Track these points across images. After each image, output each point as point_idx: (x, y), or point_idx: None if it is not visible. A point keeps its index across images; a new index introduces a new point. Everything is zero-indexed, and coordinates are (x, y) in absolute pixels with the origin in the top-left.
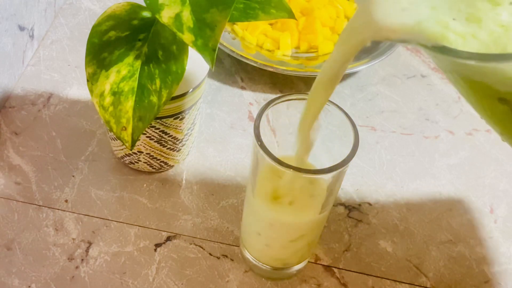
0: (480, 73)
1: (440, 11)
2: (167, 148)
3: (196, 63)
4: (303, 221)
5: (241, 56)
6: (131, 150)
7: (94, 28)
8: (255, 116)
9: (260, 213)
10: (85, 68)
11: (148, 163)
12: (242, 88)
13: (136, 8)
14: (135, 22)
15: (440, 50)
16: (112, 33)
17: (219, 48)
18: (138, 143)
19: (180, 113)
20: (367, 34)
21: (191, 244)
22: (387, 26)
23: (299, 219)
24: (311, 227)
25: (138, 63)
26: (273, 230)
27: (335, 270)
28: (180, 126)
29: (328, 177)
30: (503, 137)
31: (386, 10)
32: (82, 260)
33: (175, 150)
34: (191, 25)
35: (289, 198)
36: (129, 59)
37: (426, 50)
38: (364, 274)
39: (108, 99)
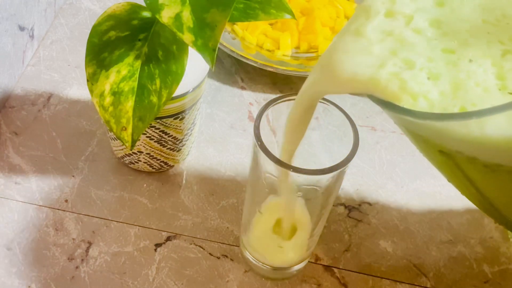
0: (419, 127)
1: (406, 65)
2: (167, 148)
3: (196, 63)
4: (290, 256)
5: (241, 56)
6: (131, 150)
7: (94, 28)
8: (255, 116)
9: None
10: (85, 68)
11: (148, 163)
12: (242, 88)
13: (136, 8)
14: (135, 22)
15: (385, 105)
16: (112, 33)
17: (219, 48)
18: (138, 143)
19: (180, 113)
20: (331, 84)
21: (191, 244)
22: (351, 79)
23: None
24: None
25: (138, 63)
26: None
27: (335, 270)
28: (180, 126)
29: (328, 177)
30: (451, 183)
31: (352, 63)
32: (82, 260)
33: (175, 150)
34: (191, 25)
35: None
36: (129, 59)
37: (373, 101)
38: (364, 274)
39: (108, 99)
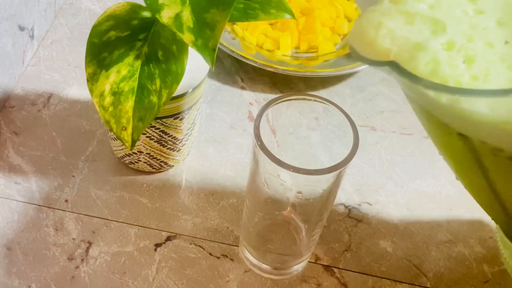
0: (443, 109)
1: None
2: (167, 148)
3: (196, 63)
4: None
5: (241, 56)
6: (131, 150)
7: (94, 28)
8: (255, 116)
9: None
10: (85, 68)
11: (148, 163)
12: (242, 88)
13: (136, 8)
14: (135, 22)
15: (415, 79)
16: (112, 33)
17: (219, 48)
18: (138, 143)
19: (180, 113)
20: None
21: (191, 244)
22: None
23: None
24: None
25: (138, 63)
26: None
27: (335, 270)
28: (180, 126)
29: (328, 177)
30: (457, 175)
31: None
32: (82, 260)
33: (175, 150)
34: (191, 25)
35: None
36: (129, 59)
37: (394, 71)
38: (364, 274)
39: (108, 99)
